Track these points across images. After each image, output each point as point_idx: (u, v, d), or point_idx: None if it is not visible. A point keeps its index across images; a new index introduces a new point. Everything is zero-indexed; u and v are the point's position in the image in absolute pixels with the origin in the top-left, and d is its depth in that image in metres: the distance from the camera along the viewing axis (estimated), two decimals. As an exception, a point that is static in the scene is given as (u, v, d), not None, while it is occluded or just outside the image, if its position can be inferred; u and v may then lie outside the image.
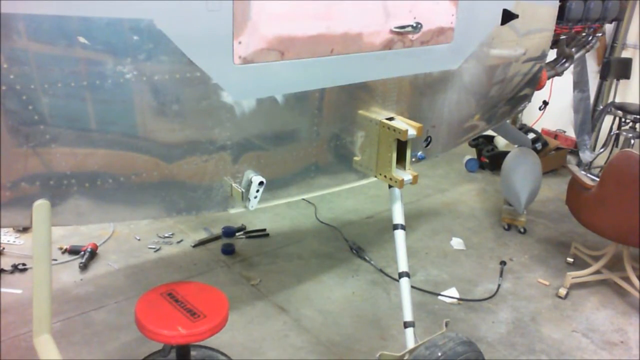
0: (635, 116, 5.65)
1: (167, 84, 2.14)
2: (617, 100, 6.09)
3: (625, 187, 3.51)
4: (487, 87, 3.59)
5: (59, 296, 3.53)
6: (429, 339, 2.50)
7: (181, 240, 4.33)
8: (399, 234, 2.81)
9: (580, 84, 5.17)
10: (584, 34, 4.35)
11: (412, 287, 3.32)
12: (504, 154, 5.17)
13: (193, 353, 2.89)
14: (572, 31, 4.10)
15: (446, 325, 2.62)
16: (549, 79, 4.31)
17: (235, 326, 3.37)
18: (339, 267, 4.13)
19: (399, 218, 2.84)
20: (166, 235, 4.37)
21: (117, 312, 3.47)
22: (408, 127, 2.71)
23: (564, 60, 4.46)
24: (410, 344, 2.59)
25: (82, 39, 1.91)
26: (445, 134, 3.42)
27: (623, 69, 5.96)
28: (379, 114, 2.82)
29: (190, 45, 2.12)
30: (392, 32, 2.70)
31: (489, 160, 6.05)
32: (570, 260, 4.35)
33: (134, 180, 2.24)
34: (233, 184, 2.48)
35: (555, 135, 6.56)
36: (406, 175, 2.78)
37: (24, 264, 3.83)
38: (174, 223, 4.52)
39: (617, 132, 5.91)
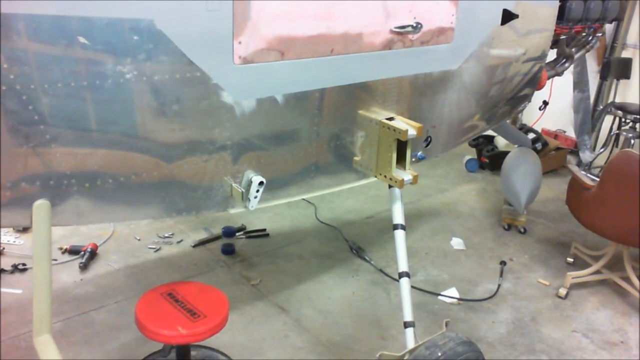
0: (635, 116, 5.65)
1: (167, 84, 2.13)
2: (617, 100, 6.09)
3: (625, 187, 3.51)
4: (487, 87, 3.59)
5: (59, 296, 3.54)
6: (429, 339, 2.50)
7: (181, 240, 4.33)
8: (399, 234, 2.81)
9: (580, 84, 5.17)
10: (584, 34, 4.35)
11: (412, 287, 3.32)
12: (504, 154, 5.17)
13: (193, 353, 2.89)
14: (572, 31, 4.10)
15: (446, 325, 2.62)
16: (549, 79, 4.31)
17: (235, 326, 3.37)
18: (339, 267, 4.13)
19: (399, 218, 2.84)
20: (166, 235, 4.37)
21: (117, 312, 3.47)
22: (408, 127, 2.71)
23: (564, 60, 4.46)
24: (410, 344, 2.59)
25: (82, 39, 1.91)
26: (445, 134, 3.42)
27: (623, 69, 5.96)
28: (379, 114, 2.82)
29: (190, 46, 2.12)
30: (392, 32, 2.70)
31: (489, 160, 6.05)
32: (570, 260, 4.35)
33: (134, 180, 2.24)
34: (233, 184, 2.48)
35: (555, 135, 6.56)
36: (406, 175, 2.78)
37: (24, 264, 3.83)
38: (174, 223, 4.52)
39: (617, 132, 5.91)
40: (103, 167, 2.14)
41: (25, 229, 4.15)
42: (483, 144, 6.17)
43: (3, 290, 3.57)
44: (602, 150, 6.04)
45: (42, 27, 1.84)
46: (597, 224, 3.78)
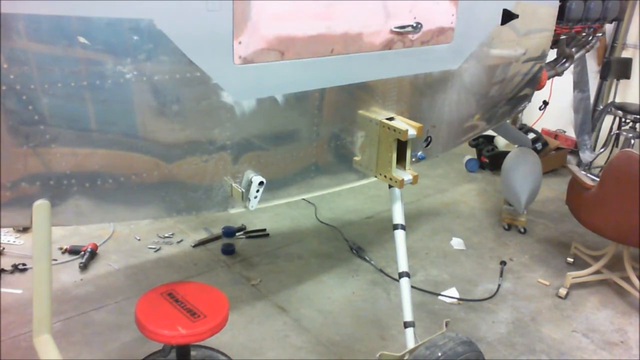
0: (635, 116, 5.65)
1: (167, 84, 2.13)
2: (617, 100, 6.09)
3: (625, 187, 3.51)
4: (487, 87, 3.58)
5: (59, 296, 3.53)
6: (429, 339, 2.50)
7: (181, 240, 4.33)
8: (399, 234, 2.81)
9: (580, 84, 5.17)
10: (584, 34, 4.35)
11: (412, 287, 3.31)
12: (504, 154, 5.16)
13: (193, 353, 2.89)
14: (572, 31, 4.10)
15: (446, 325, 2.62)
16: (549, 79, 4.31)
17: (235, 326, 3.37)
18: (339, 267, 4.13)
19: (399, 218, 2.84)
20: (166, 235, 4.37)
21: (117, 312, 3.47)
22: (408, 127, 2.70)
23: (564, 60, 4.46)
24: (411, 344, 2.59)
25: (82, 39, 1.91)
26: (445, 134, 3.42)
27: (623, 69, 5.96)
28: (379, 114, 2.82)
29: (190, 46, 2.12)
30: (392, 32, 2.70)
31: (489, 160, 6.05)
32: (571, 260, 4.35)
33: (134, 180, 2.24)
34: (233, 184, 2.48)
35: (555, 135, 6.56)
36: (406, 175, 2.78)
37: (24, 264, 3.83)
38: (174, 223, 4.52)
39: (617, 132, 5.91)
40: (103, 167, 2.14)
41: (25, 229, 4.15)
42: (483, 144, 6.17)
43: (3, 290, 3.57)
44: (602, 150, 6.04)
45: (42, 27, 1.84)
46: (597, 224, 3.78)
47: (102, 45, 1.96)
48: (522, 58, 3.73)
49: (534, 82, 4.08)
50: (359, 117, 2.81)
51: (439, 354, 2.39)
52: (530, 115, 5.79)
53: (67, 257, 3.98)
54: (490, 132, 5.25)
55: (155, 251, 4.17)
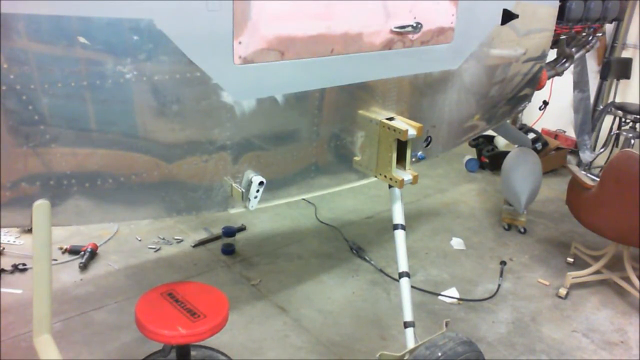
0: (635, 116, 5.65)
1: (167, 84, 2.13)
2: (617, 100, 6.09)
3: (625, 187, 3.50)
4: (487, 87, 3.58)
5: (59, 296, 3.53)
6: (429, 339, 2.50)
7: (181, 240, 4.33)
8: (399, 234, 2.81)
9: (580, 84, 5.16)
10: (584, 33, 4.35)
11: (412, 287, 3.31)
12: (504, 154, 5.16)
13: (193, 353, 2.89)
14: (572, 31, 4.10)
15: (446, 325, 2.62)
16: (549, 79, 4.31)
17: (235, 326, 3.37)
18: (339, 267, 4.13)
19: (399, 218, 2.84)
20: (164, 237, 4.35)
21: (117, 312, 3.47)
22: (408, 127, 2.70)
23: (564, 60, 4.46)
24: (411, 344, 2.59)
25: (82, 39, 1.91)
26: (445, 134, 3.42)
27: (623, 69, 5.96)
28: (379, 114, 2.82)
29: (190, 46, 2.12)
30: (392, 32, 2.70)
31: (489, 160, 6.05)
32: (571, 260, 4.35)
33: (134, 180, 2.24)
34: (233, 184, 2.48)
35: (555, 135, 6.56)
36: (406, 175, 2.78)
37: (24, 264, 3.83)
38: (174, 223, 4.52)
39: (617, 132, 5.91)
40: (103, 167, 2.14)
41: (30, 230, 4.14)
42: (483, 144, 6.17)
43: (3, 290, 3.57)
44: (602, 150, 6.04)
45: (42, 27, 1.84)
46: (597, 224, 3.78)
47: (102, 45, 1.96)
48: (522, 58, 3.73)
49: (534, 82, 4.08)
50: (359, 117, 2.81)
51: (439, 354, 2.39)
52: (530, 115, 5.79)
53: (67, 257, 3.98)
54: (490, 132, 5.25)
55: (155, 251, 4.17)
